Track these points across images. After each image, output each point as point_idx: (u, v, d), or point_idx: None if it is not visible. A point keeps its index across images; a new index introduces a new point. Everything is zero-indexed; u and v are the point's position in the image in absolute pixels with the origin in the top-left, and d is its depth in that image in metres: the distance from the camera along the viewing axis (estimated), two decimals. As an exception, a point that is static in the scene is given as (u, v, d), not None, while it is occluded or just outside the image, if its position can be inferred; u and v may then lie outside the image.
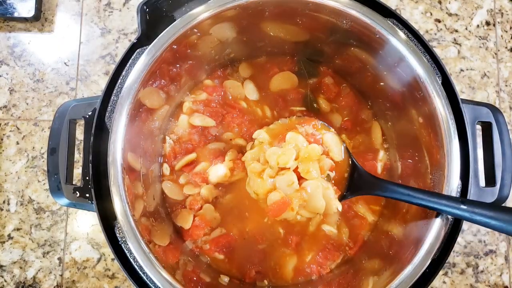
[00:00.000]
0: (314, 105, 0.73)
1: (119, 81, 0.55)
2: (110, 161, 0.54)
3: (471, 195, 0.54)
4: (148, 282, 0.52)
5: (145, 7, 0.56)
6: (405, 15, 0.85)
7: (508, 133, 0.58)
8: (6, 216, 0.80)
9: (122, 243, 0.53)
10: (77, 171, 0.75)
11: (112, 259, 0.78)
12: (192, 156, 0.70)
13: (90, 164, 0.54)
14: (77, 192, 0.56)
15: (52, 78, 0.84)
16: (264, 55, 0.75)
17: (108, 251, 0.79)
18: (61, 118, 0.59)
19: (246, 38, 0.68)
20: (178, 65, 0.64)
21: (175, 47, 0.57)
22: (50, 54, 0.84)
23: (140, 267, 0.52)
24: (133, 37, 0.66)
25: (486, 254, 0.80)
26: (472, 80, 0.84)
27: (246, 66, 0.74)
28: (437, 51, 0.84)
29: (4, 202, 0.80)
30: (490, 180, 0.57)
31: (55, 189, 0.57)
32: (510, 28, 0.86)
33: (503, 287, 0.79)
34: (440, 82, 0.55)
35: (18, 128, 0.82)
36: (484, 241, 0.80)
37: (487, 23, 0.86)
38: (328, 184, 0.60)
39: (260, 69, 0.74)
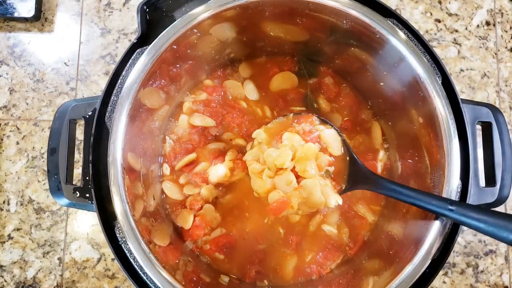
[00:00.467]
0: (315, 105, 0.73)
1: (119, 81, 0.55)
2: (110, 161, 0.54)
3: (471, 195, 0.54)
4: (148, 282, 0.52)
5: (145, 7, 0.56)
6: (405, 15, 0.85)
7: (508, 133, 0.58)
8: (6, 216, 0.80)
9: (122, 243, 0.53)
10: (77, 171, 0.75)
11: (112, 259, 0.78)
12: (192, 156, 0.70)
13: (90, 164, 0.54)
14: (77, 192, 0.56)
15: (52, 78, 0.84)
16: (264, 55, 0.75)
17: (108, 251, 0.79)
18: (61, 118, 0.59)
19: (246, 38, 0.68)
20: (178, 65, 0.64)
21: (175, 47, 0.57)
22: (50, 54, 0.84)
23: (140, 267, 0.52)
24: (133, 37, 0.66)
25: (486, 254, 0.80)
26: (472, 80, 0.84)
27: (246, 66, 0.74)
28: (437, 51, 0.84)
29: (4, 202, 0.80)
30: (490, 180, 0.57)
31: (55, 189, 0.57)
32: (510, 28, 0.86)
33: (503, 287, 0.79)
34: (440, 82, 0.55)
35: (18, 128, 0.82)
36: (484, 241, 0.80)
37: (487, 23, 0.86)
38: (326, 180, 0.60)
39: (260, 69, 0.74)
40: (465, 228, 0.80)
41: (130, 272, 0.52)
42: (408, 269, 0.53)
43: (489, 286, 0.79)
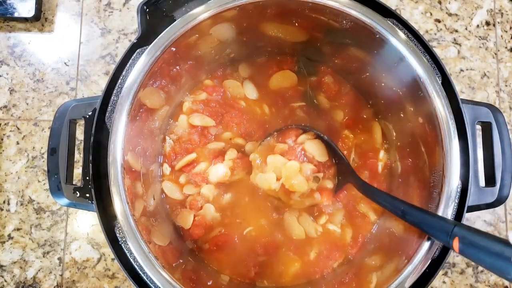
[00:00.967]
0: (314, 101, 0.73)
1: (119, 81, 0.55)
2: (110, 161, 0.54)
3: (471, 195, 0.54)
4: (148, 282, 0.52)
5: (145, 7, 0.56)
6: (405, 15, 0.85)
7: (508, 133, 0.58)
8: (6, 216, 0.80)
9: (122, 243, 0.53)
10: (77, 171, 0.75)
11: (112, 259, 0.79)
12: (192, 156, 0.70)
13: (90, 164, 0.54)
14: (77, 192, 0.56)
15: (52, 78, 0.84)
16: (264, 55, 0.75)
17: (108, 251, 0.79)
18: (61, 118, 0.59)
19: (246, 38, 0.68)
20: (178, 65, 0.64)
21: (175, 47, 0.57)
22: (50, 54, 0.85)
23: (140, 267, 0.52)
24: (133, 37, 0.66)
25: (486, 254, 0.80)
26: (472, 80, 0.84)
27: (246, 66, 0.74)
28: (437, 51, 0.84)
29: (4, 202, 0.80)
30: (490, 180, 0.57)
31: (55, 189, 0.57)
32: (510, 28, 0.86)
33: (503, 287, 0.79)
34: (440, 82, 0.55)
35: (18, 128, 0.82)
36: (484, 241, 0.80)
37: (487, 23, 0.86)
38: (314, 185, 0.67)
39: (260, 68, 0.74)
40: (465, 228, 0.80)
41: (130, 272, 0.52)
42: (408, 269, 0.53)
43: (489, 286, 0.79)
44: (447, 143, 0.54)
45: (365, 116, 0.74)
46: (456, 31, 0.86)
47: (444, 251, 0.53)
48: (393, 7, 0.83)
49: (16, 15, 0.82)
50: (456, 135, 0.54)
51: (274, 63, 0.74)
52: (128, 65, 0.55)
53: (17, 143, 0.82)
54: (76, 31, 0.85)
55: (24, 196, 0.80)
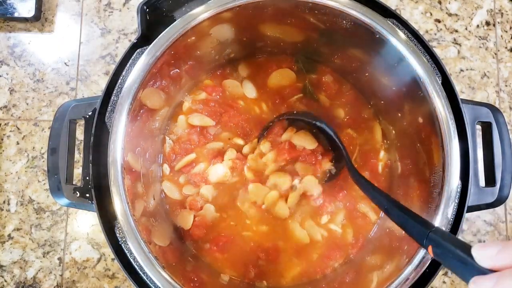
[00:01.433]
0: (314, 96, 0.73)
1: (119, 81, 0.55)
2: (110, 161, 0.54)
3: (471, 195, 0.54)
4: (148, 282, 0.52)
5: (145, 7, 0.56)
6: (405, 15, 0.85)
7: (508, 133, 0.58)
8: (6, 216, 0.80)
9: (122, 243, 0.53)
10: (77, 171, 0.75)
11: (112, 259, 0.79)
12: (192, 156, 0.70)
13: (90, 164, 0.54)
14: (77, 192, 0.56)
15: (52, 78, 0.84)
16: (264, 55, 0.75)
17: (108, 251, 0.79)
18: (61, 118, 0.59)
19: (246, 38, 0.68)
20: (178, 65, 0.64)
21: (175, 47, 0.57)
22: (50, 54, 0.85)
23: (140, 267, 0.52)
24: (133, 37, 0.66)
25: (486, 254, 0.80)
26: (472, 80, 0.84)
27: (245, 66, 0.74)
28: (437, 51, 0.84)
29: (4, 202, 0.80)
30: (490, 180, 0.57)
31: (55, 189, 0.57)
32: (510, 28, 0.86)
33: (503, 287, 0.79)
34: (440, 82, 0.55)
35: (18, 128, 0.82)
36: (484, 241, 0.80)
37: (487, 23, 0.86)
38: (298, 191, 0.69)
39: (259, 68, 0.74)
40: (465, 228, 0.80)
41: (130, 272, 0.52)
42: (408, 269, 0.53)
43: (489, 286, 0.79)
44: (447, 143, 0.54)
45: (365, 116, 0.74)
46: (456, 31, 0.86)
47: (444, 251, 0.53)
48: (393, 7, 0.83)
49: (16, 15, 0.82)
50: (456, 135, 0.54)
51: (274, 62, 0.74)
52: (128, 65, 0.55)
53: (17, 143, 0.82)
54: (76, 31, 0.85)
55: (24, 196, 0.80)
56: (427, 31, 0.86)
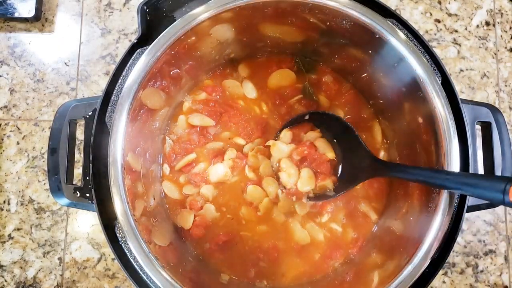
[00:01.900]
0: (314, 97, 0.73)
1: (119, 81, 0.55)
2: (111, 161, 0.54)
3: (471, 195, 0.54)
4: (148, 282, 0.52)
5: (145, 7, 0.56)
6: (405, 15, 0.86)
7: (507, 133, 0.58)
8: (6, 216, 0.80)
9: (122, 243, 0.53)
10: (78, 171, 0.75)
11: (112, 259, 0.79)
12: (192, 156, 0.70)
13: (90, 164, 0.54)
14: (78, 192, 0.56)
15: (52, 78, 0.84)
16: (264, 55, 0.75)
17: (108, 251, 0.79)
18: (62, 118, 0.59)
19: (246, 39, 0.68)
20: (178, 66, 0.64)
21: (175, 47, 0.57)
22: (51, 54, 0.85)
23: (140, 267, 0.52)
24: (133, 38, 0.66)
25: (486, 254, 0.80)
26: (472, 80, 0.84)
27: (245, 66, 0.74)
28: (437, 51, 0.84)
29: (4, 202, 0.80)
30: (490, 180, 0.57)
31: (56, 189, 0.57)
32: (510, 28, 0.86)
33: (503, 287, 0.79)
34: (439, 82, 0.55)
35: (19, 128, 0.82)
36: (484, 241, 0.80)
37: (487, 23, 0.86)
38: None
39: (259, 68, 0.74)
40: (465, 228, 0.80)
41: (130, 272, 0.53)
42: (408, 269, 0.53)
43: (489, 286, 0.79)
44: (447, 143, 0.54)
45: (365, 116, 0.74)
46: (456, 31, 0.86)
47: (444, 251, 0.53)
48: (393, 7, 0.83)
49: (16, 15, 0.82)
50: (456, 135, 0.54)
51: (273, 63, 0.74)
52: (128, 65, 0.55)
53: (18, 143, 0.82)
54: (76, 31, 0.85)
55: (25, 196, 0.80)
56: (427, 31, 0.86)
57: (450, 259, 0.80)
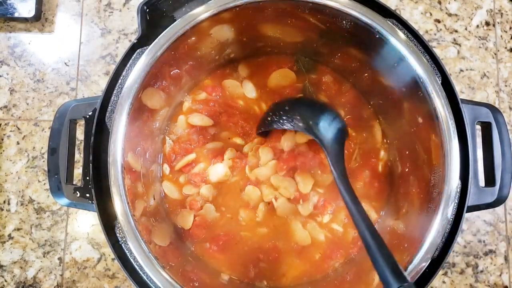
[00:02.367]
0: (313, 96, 0.73)
1: (119, 81, 0.55)
2: (111, 161, 0.54)
3: (471, 195, 0.54)
4: (148, 282, 0.52)
5: (145, 7, 0.56)
6: (405, 15, 0.86)
7: (507, 133, 0.58)
8: (6, 216, 0.80)
9: (122, 243, 0.53)
10: (78, 171, 0.75)
11: (112, 259, 0.79)
12: (192, 156, 0.70)
13: (90, 164, 0.54)
14: (78, 192, 0.56)
15: (52, 78, 0.84)
16: (264, 55, 0.75)
17: (108, 251, 0.79)
18: (62, 118, 0.59)
19: (246, 39, 0.68)
20: (178, 66, 0.64)
21: (175, 47, 0.57)
22: (51, 54, 0.85)
23: (140, 267, 0.52)
24: (133, 38, 0.66)
25: (486, 254, 0.80)
26: (472, 80, 0.84)
27: (245, 66, 0.74)
28: (437, 51, 0.84)
29: (4, 202, 0.80)
30: (490, 180, 0.57)
31: (56, 189, 0.57)
32: (510, 28, 0.86)
33: (503, 287, 0.79)
34: (439, 82, 0.55)
35: (19, 128, 0.82)
36: (484, 241, 0.80)
37: (487, 24, 0.86)
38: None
39: (259, 68, 0.74)
40: (464, 228, 0.80)
41: (130, 272, 0.53)
42: (408, 269, 0.53)
43: (489, 286, 0.79)
44: (446, 143, 0.54)
45: (365, 116, 0.74)
46: (456, 31, 0.86)
47: (444, 251, 0.53)
48: (393, 7, 0.83)
49: (16, 15, 0.82)
50: (456, 135, 0.54)
51: (273, 63, 0.74)
52: (128, 65, 0.55)
53: (18, 143, 0.82)
54: (76, 31, 0.85)
55: (24, 196, 0.80)
56: (427, 31, 0.86)
57: (450, 259, 0.80)
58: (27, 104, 0.83)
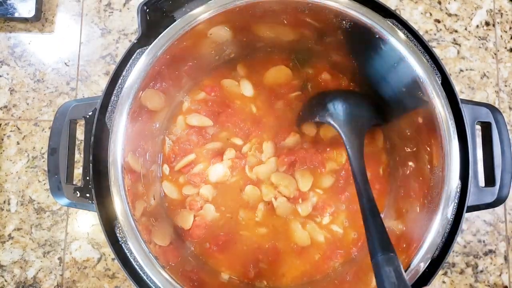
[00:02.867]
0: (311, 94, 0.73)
1: (120, 81, 0.55)
2: (111, 161, 0.54)
3: (471, 195, 0.54)
4: (148, 282, 0.52)
5: (145, 8, 0.56)
6: (404, 15, 0.86)
7: (507, 133, 0.58)
8: (6, 216, 0.80)
9: (122, 243, 0.53)
10: (78, 171, 0.75)
11: (113, 259, 0.79)
12: (191, 157, 0.70)
13: (91, 164, 0.54)
14: (78, 192, 0.56)
15: (52, 78, 0.84)
16: (263, 55, 0.75)
17: (108, 251, 0.79)
18: (62, 118, 0.59)
19: (246, 39, 0.68)
20: (178, 66, 0.64)
21: (175, 47, 0.57)
22: (51, 54, 0.85)
23: (140, 267, 0.52)
24: (133, 38, 0.66)
25: (486, 254, 0.80)
26: (472, 80, 0.84)
27: (243, 65, 0.74)
28: (437, 51, 0.84)
29: (4, 202, 0.80)
30: (490, 180, 0.57)
31: (56, 189, 0.57)
32: (510, 28, 0.86)
33: (503, 287, 0.79)
34: (439, 82, 0.55)
35: (19, 128, 0.82)
36: (484, 241, 0.80)
37: (487, 24, 0.86)
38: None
39: (258, 67, 0.74)
40: (464, 228, 0.80)
41: (130, 272, 0.53)
42: (408, 269, 0.53)
43: (489, 286, 0.79)
44: (446, 143, 0.54)
45: (365, 116, 0.74)
46: (456, 31, 0.86)
47: (444, 251, 0.53)
48: (393, 7, 0.83)
49: (16, 15, 0.82)
50: (456, 135, 0.54)
51: (272, 61, 0.74)
52: (128, 65, 0.55)
53: (18, 143, 0.82)
54: (76, 31, 0.85)
55: (25, 196, 0.80)
56: (426, 31, 0.86)
57: (450, 259, 0.80)
58: (27, 104, 0.83)
